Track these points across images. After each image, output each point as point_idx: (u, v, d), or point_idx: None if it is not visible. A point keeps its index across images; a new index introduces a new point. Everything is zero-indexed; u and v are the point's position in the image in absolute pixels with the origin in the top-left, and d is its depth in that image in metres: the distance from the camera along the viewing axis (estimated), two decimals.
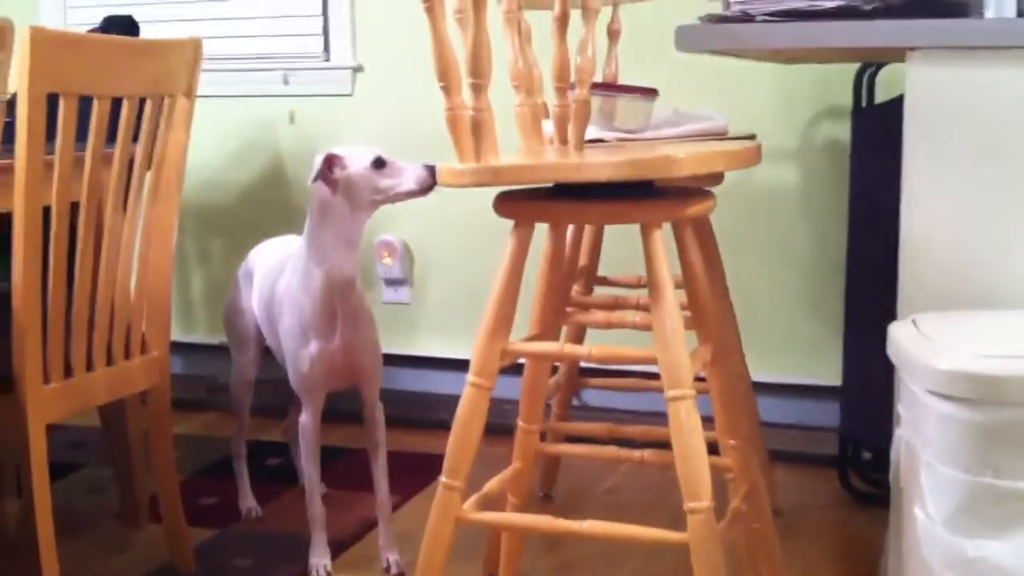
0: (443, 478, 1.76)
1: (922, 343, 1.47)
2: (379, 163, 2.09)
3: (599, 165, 1.58)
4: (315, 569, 2.21)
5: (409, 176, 2.09)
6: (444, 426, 3.07)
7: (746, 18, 1.75)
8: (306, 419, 2.20)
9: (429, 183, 2.08)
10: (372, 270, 3.25)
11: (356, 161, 2.09)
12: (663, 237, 1.68)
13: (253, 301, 2.39)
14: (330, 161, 2.09)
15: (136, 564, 2.28)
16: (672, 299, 1.65)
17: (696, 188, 1.82)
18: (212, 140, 3.36)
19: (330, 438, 2.54)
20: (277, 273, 2.28)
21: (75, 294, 1.96)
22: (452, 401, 2.86)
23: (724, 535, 1.68)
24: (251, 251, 2.49)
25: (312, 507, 2.23)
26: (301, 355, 2.16)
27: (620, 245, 2.69)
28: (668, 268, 1.66)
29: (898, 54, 1.77)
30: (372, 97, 3.22)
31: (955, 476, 1.34)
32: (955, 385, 1.35)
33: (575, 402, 2.96)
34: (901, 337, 1.52)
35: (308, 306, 2.14)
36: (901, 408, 1.54)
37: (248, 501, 2.53)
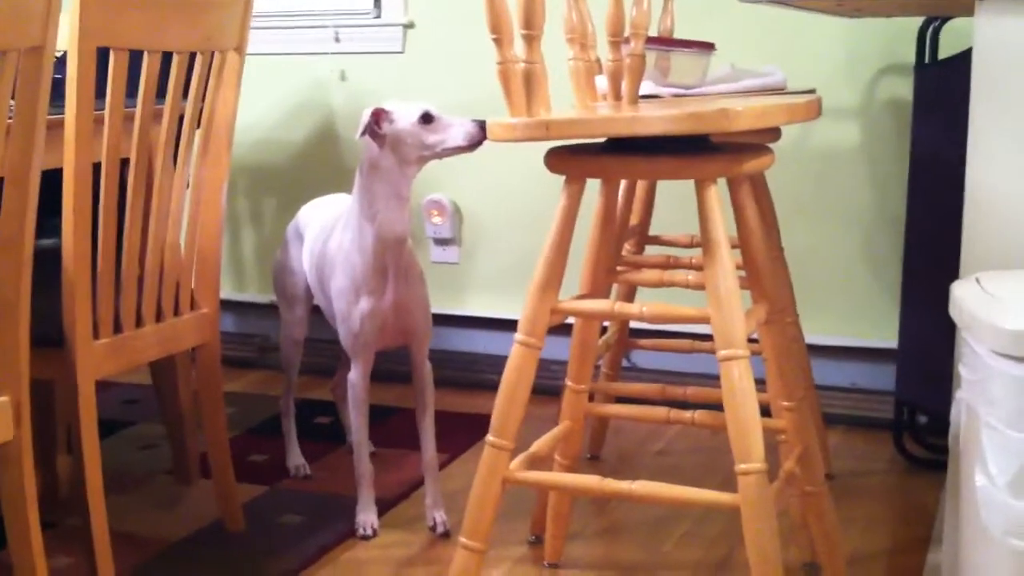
0: (490, 437, 1.74)
1: (987, 302, 1.42)
2: (427, 118, 2.07)
3: (653, 119, 1.55)
4: (362, 526, 2.22)
5: (457, 131, 2.06)
6: (491, 386, 3.06)
7: None
8: (355, 377, 2.20)
9: (478, 138, 2.05)
10: (421, 229, 3.23)
11: (403, 116, 2.07)
12: (719, 194, 1.64)
13: (304, 259, 2.39)
14: (377, 116, 2.07)
15: (186, 520, 2.29)
16: (727, 257, 1.61)
17: (753, 144, 1.77)
18: (263, 99, 3.35)
19: (378, 397, 2.54)
20: (328, 231, 2.26)
21: (124, 251, 1.96)
22: (499, 361, 2.86)
23: (776, 498, 1.65)
24: (301, 209, 2.48)
25: (360, 465, 2.23)
26: (353, 313, 2.14)
27: (673, 204, 2.65)
28: (723, 226, 1.62)
29: (966, 6, 1.71)
30: (423, 54, 3.19)
31: (1020, 439, 1.29)
32: (1022, 345, 1.30)
33: (624, 363, 2.93)
34: (965, 296, 1.47)
35: (360, 263, 2.12)
36: (963, 369, 1.49)
37: (296, 459, 2.53)
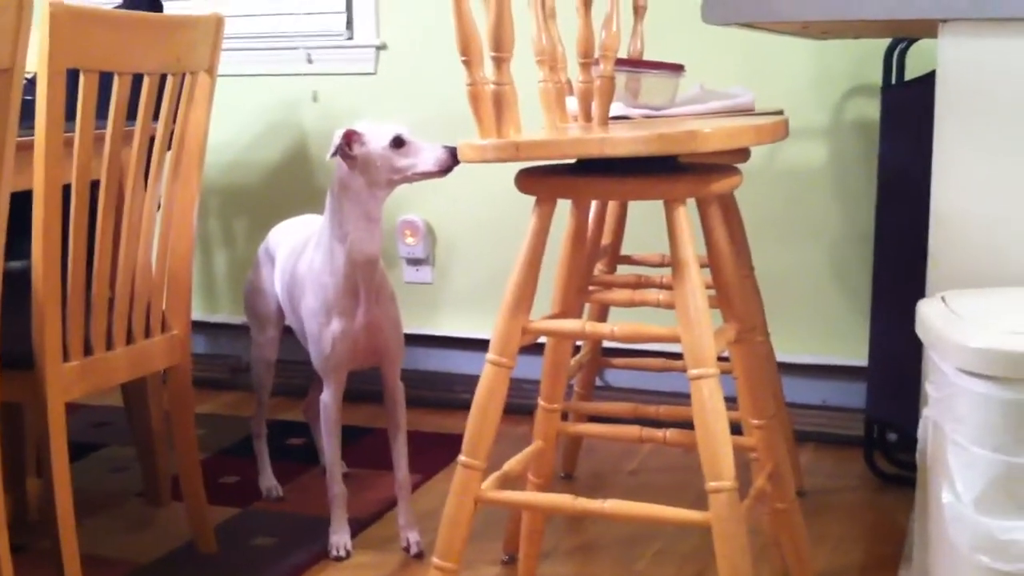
0: (462, 457, 1.74)
1: (952, 320, 1.44)
2: (398, 142, 2.07)
3: (622, 140, 1.56)
4: (335, 547, 2.21)
5: (428, 156, 2.07)
6: (465, 406, 3.06)
7: None
8: (328, 398, 2.19)
9: (448, 164, 2.06)
10: (395, 249, 3.23)
11: (375, 139, 2.07)
12: (688, 214, 1.65)
13: (275, 280, 2.38)
14: (349, 137, 2.07)
15: (158, 542, 2.28)
16: (696, 276, 1.62)
17: (722, 164, 1.79)
18: (235, 120, 3.35)
19: (351, 417, 2.54)
20: (299, 252, 2.26)
21: (95, 272, 1.95)
22: (473, 381, 2.86)
23: (747, 515, 1.66)
24: (272, 230, 2.48)
25: (333, 485, 2.22)
26: (324, 334, 2.14)
27: (644, 223, 2.67)
28: (693, 245, 1.63)
29: (930, 28, 1.73)
30: (396, 76, 3.20)
31: (985, 456, 1.31)
32: (987, 363, 1.32)
33: (597, 382, 2.94)
34: (930, 314, 1.49)
35: (331, 284, 2.13)
36: (929, 387, 1.51)
37: (268, 480, 2.52)
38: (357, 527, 2.31)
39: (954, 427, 1.37)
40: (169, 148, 2.12)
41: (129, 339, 2.05)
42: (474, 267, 3.19)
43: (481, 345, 3.12)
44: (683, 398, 2.76)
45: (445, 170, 2.07)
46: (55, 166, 1.82)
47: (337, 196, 2.11)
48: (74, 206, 1.88)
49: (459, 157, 1.70)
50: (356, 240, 2.09)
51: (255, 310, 2.47)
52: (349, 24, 3.24)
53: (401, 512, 2.25)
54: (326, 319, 2.14)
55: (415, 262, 3.23)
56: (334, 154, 2.06)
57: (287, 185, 3.36)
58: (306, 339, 2.22)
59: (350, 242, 2.09)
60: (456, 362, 3.23)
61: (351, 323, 2.14)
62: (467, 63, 1.62)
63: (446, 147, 2.06)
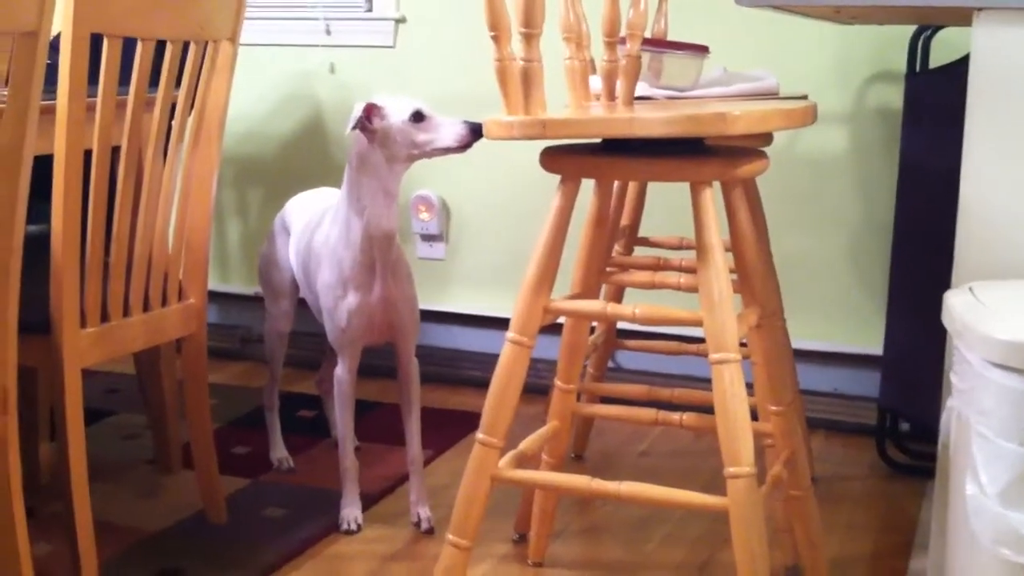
0: (480, 435, 1.74)
1: (980, 312, 1.43)
2: (418, 116, 2.05)
3: (651, 120, 1.55)
4: (346, 521, 2.21)
5: (447, 132, 2.05)
6: (475, 383, 3.08)
7: None
8: (342, 372, 2.19)
9: (468, 140, 2.04)
10: (408, 225, 3.22)
11: (395, 112, 2.06)
12: (713, 197, 1.64)
13: (290, 253, 2.37)
14: (369, 111, 2.05)
15: (168, 510, 2.28)
16: (721, 261, 1.62)
17: (748, 147, 1.78)
18: (252, 90, 3.33)
19: (364, 392, 2.53)
20: (315, 225, 2.25)
21: (113, 239, 1.94)
22: (484, 358, 2.86)
23: (764, 501, 1.65)
24: (288, 202, 2.47)
25: (344, 459, 2.22)
26: (339, 308, 2.14)
27: (661, 205, 2.66)
28: (718, 229, 1.62)
29: (959, 16, 1.72)
30: (414, 49, 3.18)
31: (1011, 449, 1.30)
32: (1015, 356, 1.31)
33: (609, 364, 2.93)
34: (958, 305, 1.48)
35: (347, 258, 2.12)
36: (954, 378, 1.50)
37: (279, 452, 2.52)
38: (368, 501, 2.31)
39: (979, 419, 1.36)
40: (190, 116, 2.11)
41: (146, 307, 2.04)
42: (487, 245, 3.18)
43: (492, 323, 3.15)
44: (695, 381, 2.78)
45: (464, 146, 2.05)
46: (77, 131, 1.81)
47: (355, 170, 2.09)
48: (94, 172, 1.87)
49: (485, 134, 1.69)
50: (373, 215, 2.08)
51: (270, 282, 2.46)
52: None
53: (413, 488, 2.25)
54: (342, 293, 2.13)
55: (429, 238, 3.22)
56: (354, 127, 2.04)
57: (302, 157, 3.35)
58: (321, 313, 2.21)
59: (367, 216, 2.08)
60: (466, 339, 3.23)
61: (367, 297, 2.13)
62: (496, 39, 1.61)
63: (466, 122, 2.04)
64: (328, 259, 2.16)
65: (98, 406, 2.87)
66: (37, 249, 1.87)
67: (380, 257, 2.11)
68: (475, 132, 2.02)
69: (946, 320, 1.52)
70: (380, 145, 2.07)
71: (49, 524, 2.12)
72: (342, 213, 2.13)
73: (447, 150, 2.06)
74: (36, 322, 1.84)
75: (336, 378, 2.20)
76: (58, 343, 1.85)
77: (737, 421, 1.59)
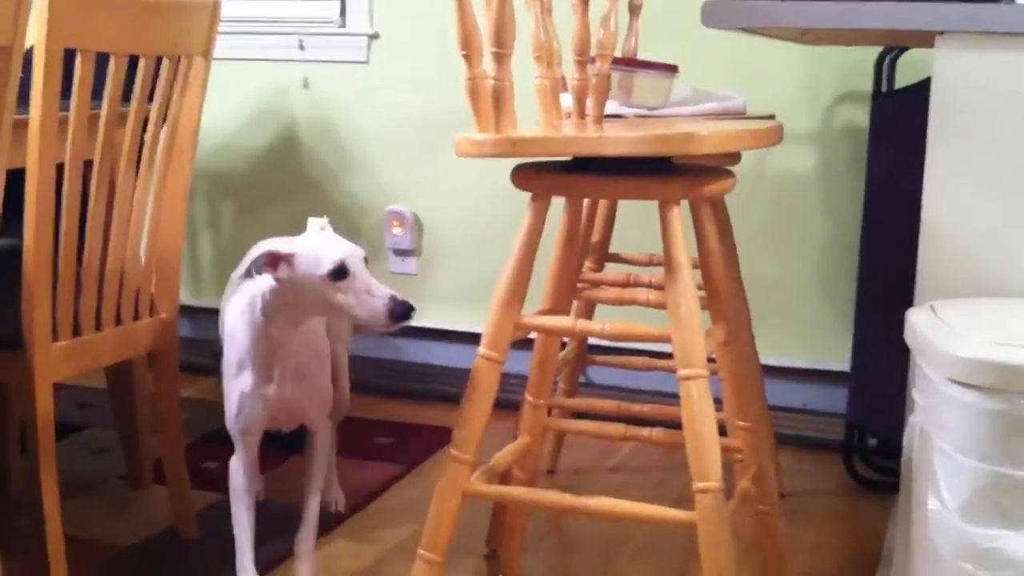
0: (452, 451, 1.75)
1: (941, 329, 1.46)
2: (339, 273, 1.72)
3: (619, 139, 1.57)
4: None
5: (368, 306, 1.71)
6: (447, 398, 3.08)
7: None
8: (235, 463, 1.94)
9: (387, 326, 1.71)
10: (381, 239, 3.24)
11: (309, 264, 1.73)
12: (681, 215, 1.66)
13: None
14: (274, 260, 1.74)
15: (139, 525, 2.28)
16: (689, 278, 1.64)
17: (715, 167, 1.80)
18: (224, 104, 3.34)
19: None
20: (235, 284, 1.99)
21: (86, 253, 1.95)
22: (456, 373, 2.86)
23: (732, 516, 1.67)
24: (251, 249, 2.16)
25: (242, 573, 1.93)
26: (231, 388, 1.90)
27: (632, 222, 2.68)
28: (686, 246, 1.65)
29: (924, 39, 1.75)
30: (387, 65, 3.20)
31: (971, 465, 1.33)
32: (975, 373, 1.34)
33: (580, 379, 2.95)
34: (919, 323, 1.50)
35: (245, 337, 1.85)
36: (916, 394, 1.52)
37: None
38: (339, 517, 2.31)
39: (940, 435, 1.39)
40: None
41: (118, 321, 2.05)
42: (460, 260, 3.20)
43: (464, 338, 3.16)
44: (664, 396, 2.80)
45: (381, 327, 1.71)
46: (49, 146, 1.82)
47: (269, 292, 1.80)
48: (67, 186, 1.87)
49: (456, 151, 1.70)
50: (276, 327, 1.82)
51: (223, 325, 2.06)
52: (343, 12, 3.23)
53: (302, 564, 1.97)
54: (237, 371, 1.88)
55: (401, 253, 3.24)
56: (245, 275, 1.80)
57: (274, 171, 3.35)
58: None
59: (271, 323, 1.82)
60: (439, 354, 3.24)
61: (265, 388, 1.88)
62: (467, 57, 1.63)
63: (393, 299, 1.70)
64: (229, 332, 1.90)
65: (69, 420, 2.86)
66: (8, 263, 1.87)
67: (280, 358, 1.86)
68: (398, 317, 1.70)
69: (908, 338, 1.54)
70: (290, 293, 1.77)
71: (20, 539, 2.11)
72: (250, 298, 1.84)
73: (363, 326, 1.75)
74: (7, 336, 1.85)
75: (230, 468, 1.96)
76: (30, 357, 1.85)
77: (705, 437, 1.61)
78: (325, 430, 2.02)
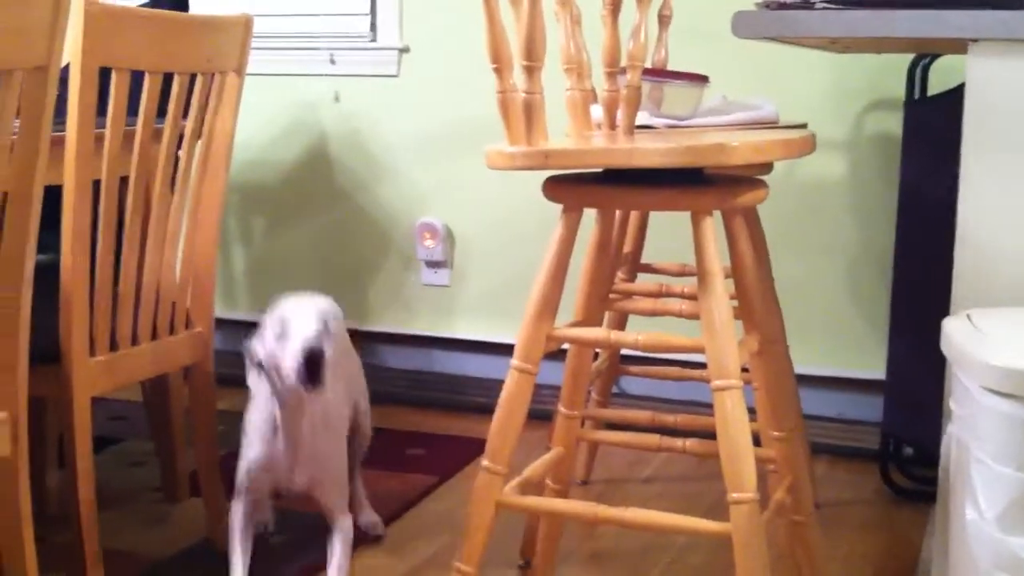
0: (485, 462, 1.75)
1: (977, 338, 1.45)
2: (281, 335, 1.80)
3: (652, 151, 1.57)
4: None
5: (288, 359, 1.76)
6: (480, 409, 3.08)
7: (806, 5, 1.73)
8: (235, 509, 1.98)
9: (297, 379, 1.76)
10: (413, 252, 3.25)
11: (267, 329, 1.83)
12: (714, 225, 1.66)
13: None
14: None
15: (175, 538, 2.29)
16: (722, 288, 1.63)
17: (747, 176, 1.80)
18: (257, 118, 3.37)
19: None
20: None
21: (122, 268, 1.97)
22: (488, 384, 2.87)
23: (766, 527, 1.67)
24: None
25: None
26: (244, 449, 1.96)
27: (663, 232, 2.68)
28: (718, 257, 1.65)
29: (956, 45, 1.74)
30: (418, 79, 3.21)
31: (1009, 474, 1.32)
32: (1011, 382, 1.33)
33: (613, 389, 2.95)
34: (955, 332, 1.49)
35: (255, 409, 1.94)
36: (953, 404, 1.51)
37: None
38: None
39: (977, 444, 1.38)
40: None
41: (154, 335, 2.06)
42: (491, 271, 3.20)
43: (496, 349, 3.17)
44: (698, 407, 2.80)
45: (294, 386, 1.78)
46: (85, 163, 1.84)
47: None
48: (103, 202, 1.90)
49: (488, 164, 1.70)
50: (287, 413, 1.88)
51: None
52: (373, 26, 3.25)
53: None
54: (253, 436, 1.94)
55: (433, 264, 3.25)
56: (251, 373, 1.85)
57: (306, 184, 3.37)
58: None
59: (277, 403, 1.88)
60: (471, 365, 3.25)
61: (275, 461, 1.93)
62: (497, 71, 1.63)
63: (307, 349, 1.73)
64: (253, 391, 1.94)
65: (105, 433, 2.89)
66: (46, 279, 1.90)
67: (291, 438, 1.91)
68: (309, 376, 1.74)
69: (944, 347, 1.53)
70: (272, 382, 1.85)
71: (58, 552, 2.13)
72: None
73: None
74: (46, 351, 1.87)
75: (231, 508, 2.00)
76: (68, 372, 1.87)
77: (739, 447, 1.61)
78: (345, 528, 1.99)
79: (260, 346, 1.83)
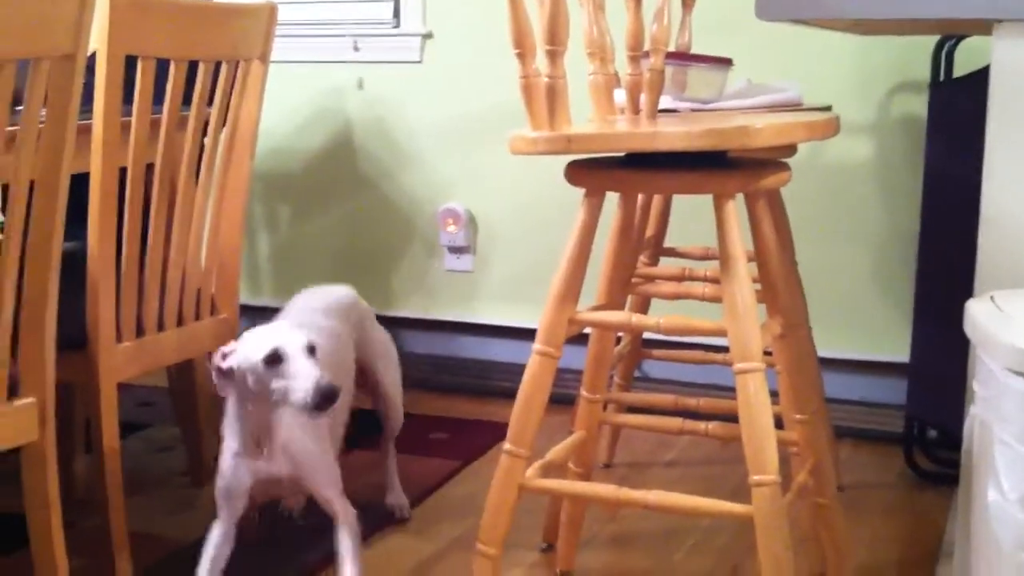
0: (507, 445, 1.76)
1: (1002, 320, 1.44)
2: (273, 359, 1.72)
3: (675, 134, 1.57)
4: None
5: (297, 391, 1.70)
6: (504, 394, 3.09)
7: None
8: (216, 529, 1.87)
9: (305, 405, 1.70)
10: (436, 237, 3.26)
11: (246, 352, 1.76)
12: (736, 209, 1.66)
13: None
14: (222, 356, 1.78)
15: (201, 522, 2.30)
16: (745, 272, 1.63)
17: (770, 159, 1.80)
18: (280, 106, 3.38)
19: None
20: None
21: (148, 255, 1.98)
22: (512, 369, 2.88)
23: (788, 509, 1.67)
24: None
25: None
26: (223, 449, 1.87)
27: (686, 215, 2.68)
28: (741, 240, 1.65)
29: (981, 26, 1.73)
30: (441, 65, 3.21)
31: None
32: None
33: (635, 373, 2.95)
34: (979, 314, 1.49)
35: (230, 406, 1.85)
36: (976, 386, 1.51)
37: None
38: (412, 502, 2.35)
39: (1001, 426, 1.38)
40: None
41: (180, 321, 2.08)
42: (514, 256, 3.21)
43: (520, 334, 3.17)
44: (720, 390, 2.80)
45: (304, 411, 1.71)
46: (112, 151, 1.86)
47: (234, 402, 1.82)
48: (129, 190, 1.91)
49: (511, 149, 1.70)
50: (257, 413, 1.80)
51: None
52: (396, 13, 3.26)
53: None
54: (228, 437, 1.86)
55: (456, 250, 3.26)
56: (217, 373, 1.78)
57: (330, 171, 3.39)
58: None
59: (247, 406, 1.80)
60: (495, 350, 3.26)
61: (254, 458, 1.84)
62: (520, 56, 1.63)
63: (320, 384, 1.68)
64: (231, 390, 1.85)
65: (132, 419, 2.91)
66: (73, 265, 1.92)
67: (266, 434, 1.83)
68: (322, 400, 1.68)
69: (968, 328, 1.53)
70: (236, 387, 1.78)
71: (85, 536, 2.15)
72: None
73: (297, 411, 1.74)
74: (73, 337, 1.89)
75: (210, 533, 1.89)
76: (94, 358, 1.89)
77: (761, 430, 1.61)
78: (347, 514, 1.89)
79: (233, 358, 1.78)
